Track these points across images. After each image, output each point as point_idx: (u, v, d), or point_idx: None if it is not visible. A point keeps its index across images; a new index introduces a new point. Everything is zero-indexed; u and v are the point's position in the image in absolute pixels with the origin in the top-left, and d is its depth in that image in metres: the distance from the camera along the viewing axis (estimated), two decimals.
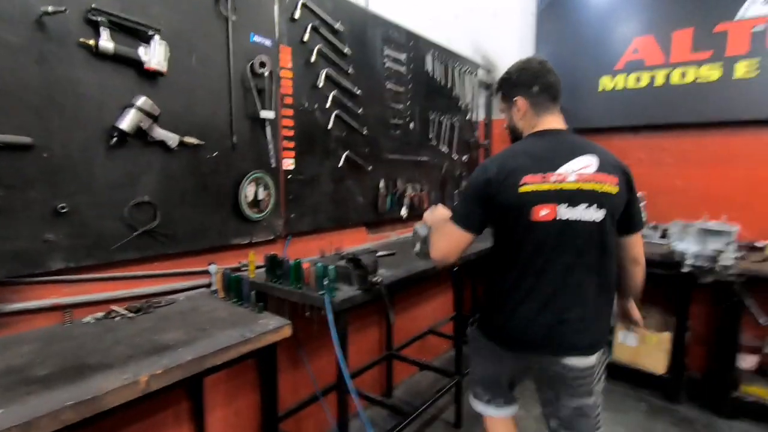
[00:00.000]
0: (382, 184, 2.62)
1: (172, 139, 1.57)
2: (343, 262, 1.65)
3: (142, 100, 1.46)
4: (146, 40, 1.48)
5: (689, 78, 2.90)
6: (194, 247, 1.72)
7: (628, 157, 3.33)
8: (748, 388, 2.55)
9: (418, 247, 1.63)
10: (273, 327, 1.34)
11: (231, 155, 1.81)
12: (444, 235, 1.38)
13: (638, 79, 3.09)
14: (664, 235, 2.95)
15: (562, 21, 3.40)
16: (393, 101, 2.69)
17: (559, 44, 3.43)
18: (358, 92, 2.39)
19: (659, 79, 3.01)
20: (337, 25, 2.22)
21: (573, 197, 1.27)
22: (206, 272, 1.73)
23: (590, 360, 1.34)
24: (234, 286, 1.55)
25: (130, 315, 1.42)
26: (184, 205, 1.66)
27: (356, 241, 2.52)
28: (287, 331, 1.38)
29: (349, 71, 2.33)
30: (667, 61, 2.97)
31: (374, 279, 1.58)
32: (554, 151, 1.32)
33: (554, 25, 3.45)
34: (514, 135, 1.49)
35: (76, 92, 1.36)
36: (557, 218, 1.27)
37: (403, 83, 2.76)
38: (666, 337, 2.72)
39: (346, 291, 1.60)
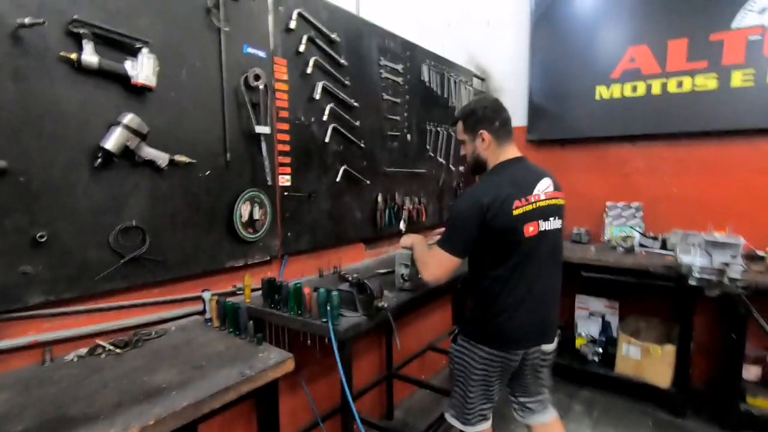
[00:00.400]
0: (380, 198, 2.54)
1: (161, 158, 1.47)
2: (346, 286, 1.56)
3: (129, 118, 1.36)
4: (133, 53, 1.38)
5: (686, 87, 2.89)
6: (186, 273, 1.61)
7: (626, 166, 3.33)
8: (754, 401, 2.51)
9: (404, 270, 1.80)
10: (274, 362, 1.24)
11: (225, 173, 1.71)
12: (436, 260, 1.57)
13: (635, 88, 3.07)
14: (663, 245, 2.92)
15: (556, 30, 3.38)
16: (390, 113, 2.61)
17: (555, 53, 3.40)
18: (356, 104, 2.31)
19: (656, 88, 2.99)
20: (334, 36, 2.15)
21: (545, 212, 1.56)
22: (199, 298, 1.62)
23: (555, 343, 1.71)
24: (230, 316, 1.44)
25: (118, 350, 1.30)
26: (175, 229, 1.56)
27: (354, 258, 2.42)
28: (290, 365, 1.28)
29: (345, 83, 2.25)
30: (663, 71, 2.96)
31: (380, 304, 1.49)
32: (526, 176, 1.58)
33: (549, 34, 3.42)
34: (477, 164, 1.67)
35: (56, 110, 1.25)
36: (539, 231, 1.53)
37: (400, 94, 2.70)
38: (670, 350, 2.68)
39: (350, 317, 1.51)
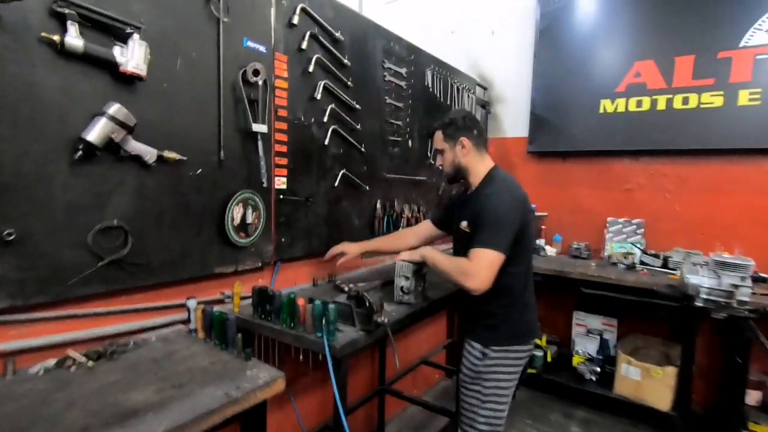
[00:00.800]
0: (378, 205, 2.44)
1: (149, 153, 1.36)
2: (343, 298, 1.45)
3: (114, 108, 1.25)
4: (123, 38, 1.28)
5: (692, 104, 2.85)
6: (172, 278, 1.49)
7: (628, 182, 3.27)
8: (756, 427, 2.44)
9: (404, 283, 1.73)
10: (264, 382, 1.13)
11: (217, 173, 1.60)
12: (487, 263, 1.47)
13: (639, 103, 3.03)
14: (665, 263, 2.86)
15: (561, 42, 3.33)
16: (392, 117, 2.53)
17: (559, 65, 3.35)
18: (357, 106, 2.22)
19: (661, 103, 2.95)
20: (338, 34, 2.06)
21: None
22: (184, 306, 1.50)
23: None
24: (217, 327, 1.33)
25: (90, 363, 1.18)
26: (161, 230, 1.44)
27: (350, 267, 2.32)
28: (280, 385, 1.16)
29: (348, 84, 2.16)
30: (669, 86, 2.92)
31: (379, 319, 1.39)
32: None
33: (553, 46, 3.37)
34: (457, 171, 1.73)
35: (34, 96, 1.14)
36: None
37: (403, 98, 2.61)
38: (671, 371, 2.60)
39: (348, 333, 1.40)
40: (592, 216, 3.34)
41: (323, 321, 1.32)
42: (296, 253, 1.97)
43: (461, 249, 1.63)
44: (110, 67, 1.26)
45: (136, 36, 1.29)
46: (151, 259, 1.42)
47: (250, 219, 1.67)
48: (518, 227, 1.53)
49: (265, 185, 1.72)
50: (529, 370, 3.10)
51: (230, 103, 1.63)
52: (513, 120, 3.69)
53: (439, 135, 1.74)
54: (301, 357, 1.42)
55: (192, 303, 1.43)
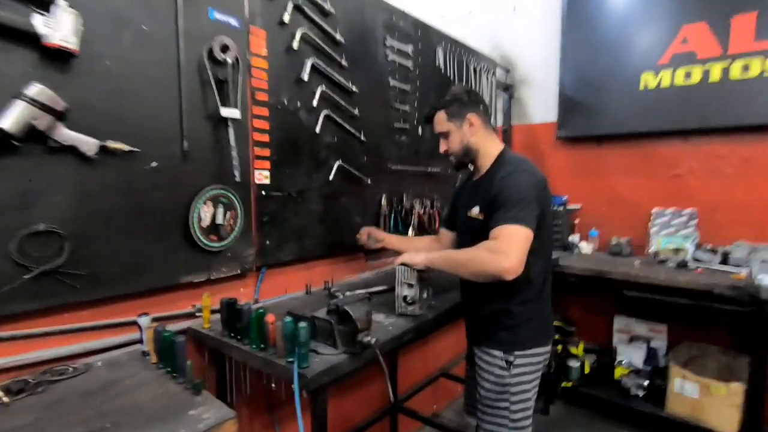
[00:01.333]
0: (384, 200, 2.17)
1: (87, 144, 1.14)
2: (323, 313, 1.19)
3: (35, 90, 1.04)
4: (44, 5, 1.06)
5: (754, 71, 2.41)
6: (126, 290, 1.27)
7: (676, 166, 2.85)
8: None
9: (406, 292, 1.47)
10: (206, 426, 0.88)
11: (181, 167, 1.37)
12: (518, 240, 1.23)
13: (688, 75, 2.61)
14: (724, 260, 2.44)
15: (593, 12, 2.94)
16: (398, 101, 2.25)
17: (591, 39, 2.97)
18: (354, 89, 1.95)
19: (715, 73, 2.52)
20: (327, 6, 1.80)
21: None
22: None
23: None
24: (166, 350, 1.10)
25: (5, 399, 0.97)
26: (110, 235, 1.23)
27: (352, 271, 2.06)
28: (230, 429, 0.91)
29: (342, 63, 1.90)
30: (724, 53, 2.49)
31: (366, 339, 1.12)
32: None
33: (584, 18, 2.99)
34: (466, 154, 1.49)
35: None
36: None
37: (410, 80, 2.33)
38: (737, 389, 2.19)
39: (327, 356, 1.14)
40: (633, 207, 2.94)
41: (294, 342, 1.07)
42: (285, 256, 1.73)
43: (471, 241, 1.37)
44: (32, 40, 1.05)
45: (61, 2, 1.07)
46: (99, 269, 1.21)
47: (221, 219, 1.44)
48: (540, 210, 1.30)
49: (238, 179, 1.48)
50: (565, 384, 2.75)
51: (195, 86, 1.40)
52: (539, 104, 3.32)
53: (441, 116, 1.50)
54: (273, 385, 1.17)
55: (144, 320, 1.21)
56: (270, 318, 1.15)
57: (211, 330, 1.36)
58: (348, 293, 1.58)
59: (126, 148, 1.22)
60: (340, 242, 1.95)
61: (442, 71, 2.57)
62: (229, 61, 1.44)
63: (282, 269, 1.75)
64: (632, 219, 2.93)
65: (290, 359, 1.08)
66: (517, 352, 1.36)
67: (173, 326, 1.40)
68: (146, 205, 1.30)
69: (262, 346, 1.18)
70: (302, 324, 1.06)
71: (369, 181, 2.06)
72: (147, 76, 1.29)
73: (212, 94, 1.42)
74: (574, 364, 2.77)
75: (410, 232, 2.31)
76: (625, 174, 2.98)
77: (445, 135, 1.50)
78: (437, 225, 2.50)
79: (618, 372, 2.71)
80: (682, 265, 2.45)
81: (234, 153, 1.45)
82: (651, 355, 2.70)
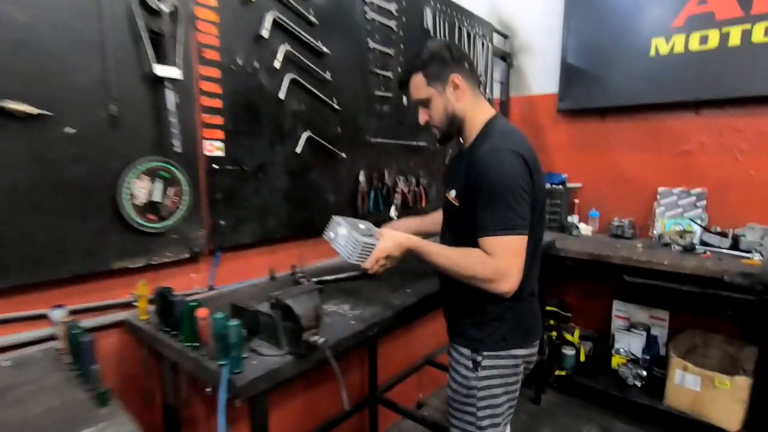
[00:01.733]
0: (362, 176, 1.97)
1: None
2: (266, 307, 1.01)
3: None
4: None
5: None
6: (44, 277, 1.10)
7: (686, 141, 2.61)
8: None
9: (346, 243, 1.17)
10: None
11: (109, 134, 1.17)
12: (515, 252, 1.07)
13: (704, 39, 2.36)
14: (735, 244, 2.25)
15: None
16: (379, 66, 2.02)
17: (598, 1, 2.70)
18: (326, 50, 1.73)
19: (735, 37, 2.27)
20: None
21: None
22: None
23: None
24: (75, 350, 0.93)
25: None
26: (18, 213, 1.04)
27: (324, 254, 1.87)
28: None
29: (311, 19, 1.67)
30: (746, 13, 2.23)
31: (312, 339, 0.94)
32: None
33: None
34: (451, 122, 1.23)
35: None
36: None
37: (393, 43, 2.09)
38: (742, 382, 2.03)
39: (270, 358, 0.97)
40: (637, 186, 2.73)
41: (227, 341, 0.89)
42: (245, 238, 1.55)
43: (447, 225, 1.21)
44: None
45: None
46: (5, 252, 1.03)
47: (158, 196, 1.25)
48: (529, 195, 1.09)
49: (178, 150, 1.28)
50: (558, 372, 2.61)
51: (124, 39, 1.19)
52: (540, 74, 3.06)
53: (418, 79, 1.21)
54: (209, 389, 1.00)
55: (58, 313, 1.03)
56: (201, 313, 0.98)
57: (149, 322, 1.19)
58: (304, 280, 1.40)
59: (34, 111, 1.03)
60: (309, 222, 1.76)
61: (431, 33, 2.33)
62: (166, 10, 1.23)
63: (241, 252, 1.57)
64: (636, 199, 2.73)
65: (221, 362, 0.91)
66: (485, 353, 1.17)
67: (107, 317, 1.24)
68: (64, 178, 1.11)
69: (196, 344, 1.01)
70: (233, 322, 0.88)
71: (344, 155, 1.86)
72: (59, 24, 1.08)
73: (146, 50, 1.21)
74: (569, 351, 2.62)
75: (393, 211, 2.12)
76: (629, 150, 2.76)
77: (425, 103, 1.23)
78: (423, 203, 2.31)
79: (615, 360, 2.56)
80: (689, 249, 2.26)
81: (173, 119, 1.25)
82: (651, 343, 2.54)
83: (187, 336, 1.02)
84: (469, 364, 1.19)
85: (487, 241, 1.06)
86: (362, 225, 1.22)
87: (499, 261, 1.05)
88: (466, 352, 1.20)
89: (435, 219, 1.50)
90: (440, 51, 1.20)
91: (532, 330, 1.24)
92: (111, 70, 1.16)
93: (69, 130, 1.10)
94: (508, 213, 1.05)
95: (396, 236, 1.17)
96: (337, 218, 1.24)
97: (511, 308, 1.17)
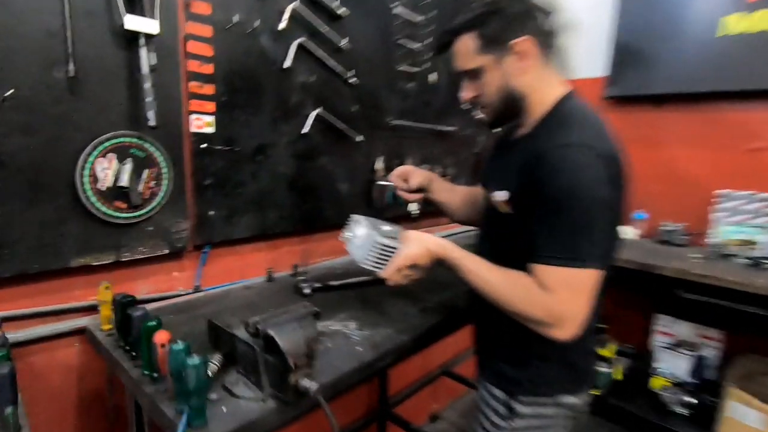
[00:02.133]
0: (380, 164, 1.71)
1: None
2: (245, 335, 0.77)
3: None
4: None
5: None
6: None
7: (758, 137, 2.23)
8: None
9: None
10: None
11: (66, 101, 0.95)
12: (583, 291, 0.79)
13: None
14: None
15: None
16: (404, 37, 1.74)
17: None
18: (340, 13, 1.46)
19: None
20: None
21: None
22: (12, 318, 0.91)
23: None
24: None
25: None
26: None
27: (332, 252, 1.63)
28: None
29: None
30: None
31: (302, 383, 0.70)
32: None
33: None
34: (507, 103, 0.90)
35: None
36: None
37: (423, 8, 1.80)
38: None
39: (246, 402, 0.73)
40: (692, 186, 2.39)
41: (184, 384, 0.66)
42: (239, 232, 1.32)
43: (489, 235, 0.96)
44: None
45: None
46: None
47: (126, 180, 1.02)
48: (614, 216, 0.83)
49: (152, 124, 1.03)
50: (591, 391, 2.33)
51: None
52: (586, 54, 2.71)
53: (468, 42, 0.88)
54: None
55: None
56: (159, 338, 0.75)
57: (110, 334, 0.97)
58: (305, 285, 1.16)
59: None
60: (316, 215, 1.52)
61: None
62: None
63: (235, 248, 1.35)
64: (690, 201, 2.39)
65: (180, 408, 0.68)
66: (523, 398, 0.92)
67: (66, 324, 1.03)
68: (6, 153, 0.88)
69: (154, 374, 0.78)
70: (193, 360, 0.65)
71: (360, 138, 1.60)
72: None
73: None
74: (603, 368, 2.34)
75: (414, 205, 1.87)
76: (686, 145, 2.41)
77: (475, 74, 0.90)
78: None
79: (656, 382, 2.27)
80: (757, 263, 1.94)
81: (147, 84, 1.01)
82: (700, 366, 2.24)
83: (145, 363, 0.79)
84: (502, 409, 0.94)
85: (544, 271, 0.78)
86: (386, 227, 0.98)
87: (557, 301, 0.78)
88: (499, 394, 0.95)
89: (465, 196, 1.20)
90: (498, 3, 0.86)
91: (586, 374, 0.98)
92: (70, 18, 0.92)
93: (17, 95, 0.87)
94: (578, 238, 0.77)
95: (424, 240, 0.91)
96: (356, 217, 1.01)
97: (564, 346, 0.87)
